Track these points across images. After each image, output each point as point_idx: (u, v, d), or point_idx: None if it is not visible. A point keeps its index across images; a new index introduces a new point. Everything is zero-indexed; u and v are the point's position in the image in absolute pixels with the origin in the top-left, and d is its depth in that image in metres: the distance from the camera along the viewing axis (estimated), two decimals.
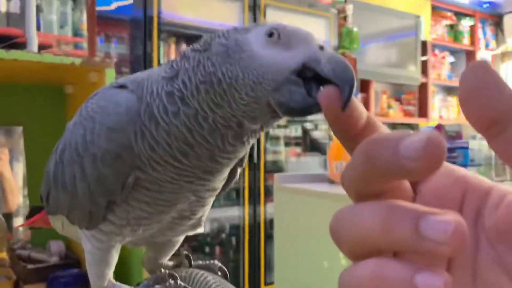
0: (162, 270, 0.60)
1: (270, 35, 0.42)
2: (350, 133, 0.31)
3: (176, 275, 0.59)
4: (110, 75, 1.10)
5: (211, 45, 0.45)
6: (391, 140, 0.23)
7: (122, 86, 0.53)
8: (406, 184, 0.28)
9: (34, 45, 1.17)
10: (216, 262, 0.67)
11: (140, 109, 0.49)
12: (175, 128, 0.47)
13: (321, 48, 0.40)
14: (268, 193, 3.37)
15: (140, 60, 3.04)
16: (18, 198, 1.46)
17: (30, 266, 1.24)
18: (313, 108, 0.40)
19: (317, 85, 0.40)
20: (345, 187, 0.27)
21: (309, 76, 0.40)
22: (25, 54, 0.99)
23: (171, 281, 0.57)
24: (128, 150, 0.49)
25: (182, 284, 0.58)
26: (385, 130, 0.33)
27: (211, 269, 0.66)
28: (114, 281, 0.60)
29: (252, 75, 0.41)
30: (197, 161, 0.48)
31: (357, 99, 0.32)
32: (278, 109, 0.42)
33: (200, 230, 0.62)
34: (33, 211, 0.78)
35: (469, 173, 0.28)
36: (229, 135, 0.46)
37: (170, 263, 0.69)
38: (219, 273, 0.66)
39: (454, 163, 1.25)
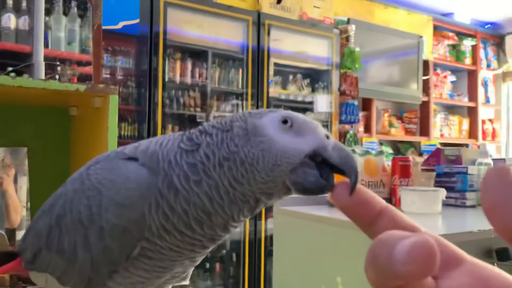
0: None
1: (284, 122, 0.47)
2: (364, 220, 0.33)
3: None
4: (114, 101, 1.13)
5: (232, 127, 0.48)
6: (390, 242, 0.24)
7: (131, 158, 0.53)
8: (429, 281, 0.28)
9: (41, 71, 1.20)
10: None
11: (153, 182, 0.50)
12: (195, 197, 0.48)
13: (327, 137, 0.46)
14: (269, 208, 3.37)
15: (146, 74, 3.08)
16: (20, 215, 1.48)
17: (29, 287, 1.25)
18: (325, 188, 0.44)
19: (326, 168, 0.45)
20: (369, 281, 0.27)
21: (318, 161, 0.46)
22: (30, 81, 1.02)
23: None
24: (137, 224, 0.50)
25: None
26: (401, 217, 0.34)
27: None
28: None
29: (271, 158, 0.46)
30: (210, 230, 0.50)
31: (368, 190, 0.35)
32: (293, 188, 0.46)
33: (186, 282, 0.63)
34: (3, 258, 0.70)
35: (495, 271, 0.27)
36: (245, 208, 0.49)
37: None
38: None
39: (453, 188, 1.26)
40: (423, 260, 0.22)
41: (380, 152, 1.77)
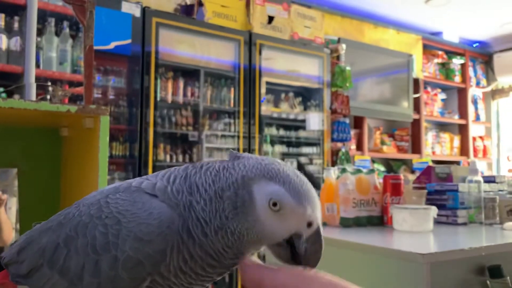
0: None
1: (274, 204, 0.51)
2: None
3: None
4: (105, 122, 1.13)
5: (222, 197, 0.52)
6: None
7: (150, 193, 0.55)
8: None
9: (32, 92, 1.20)
10: None
11: (173, 221, 0.52)
12: (206, 246, 0.52)
13: (309, 224, 0.51)
14: None
15: (138, 94, 3.08)
16: (11, 235, 1.46)
17: None
18: (294, 264, 0.52)
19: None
20: None
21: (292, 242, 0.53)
22: (21, 102, 1.01)
23: None
24: (152, 260, 0.51)
25: None
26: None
27: None
28: None
29: (254, 236, 0.52)
30: (221, 269, 0.55)
31: None
32: (273, 256, 0.54)
33: None
34: None
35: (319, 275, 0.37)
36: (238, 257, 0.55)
37: None
38: None
39: (444, 205, 1.27)
40: None
41: (372, 171, 1.78)
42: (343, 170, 1.72)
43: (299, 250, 0.51)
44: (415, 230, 1.53)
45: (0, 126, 1.30)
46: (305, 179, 0.53)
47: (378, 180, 1.78)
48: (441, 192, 1.84)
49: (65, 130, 1.36)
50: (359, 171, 1.73)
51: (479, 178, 1.86)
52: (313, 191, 0.53)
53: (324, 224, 1.71)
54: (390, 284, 1.20)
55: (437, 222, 1.70)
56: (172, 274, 0.52)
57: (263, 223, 0.51)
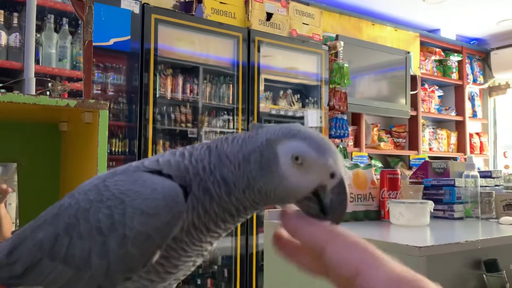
0: None
1: (296, 158, 0.53)
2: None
3: None
4: (104, 116, 1.14)
5: (249, 160, 0.54)
6: None
7: (153, 171, 0.56)
8: None
9: (31, 87, 1.21)
10: None
11: (179, 194, 0.54)
12: (226, 204, 0.55)
13: (332, 175, 0.52)
14: (261, 223, 3.37)
15: (137, 91, 3.09)
16: (11, 230, 1.47)
17: None
18: (323, 218, 0.54)
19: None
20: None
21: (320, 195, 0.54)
22: (21, 97, 1.02)
23: None
24: (161, 233, 0.53)
25: None
26: None
27: None
28: None
29: (281, 192, 0.54)
30: (231, 224, 0.58)
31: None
32: (303, 211, 0.55)
33: (175, 284, 0.66)
34: None
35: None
36: (262, 210, 0.57)
37: None
38: None
39: (440, 200, 1.28)
40: None
41: (369, 165, 1.79)
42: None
43: (325, 202, 0.53)
44: (412, 224, 1.55)
45: None
46: (324, 137, 0.56)
47: (375, 175, 1.79)
48: (438, 187, 1.85)
49: (64, 125, 1.37)
50: (356, 165, 1.75)
51: (475, 173, 1.88)
52: (333, 146, 0.55)
53: None
54: None
55: (433, 216, 1.71)
56: (185, 233, 0.54)
57: (288, 178, 0.53)
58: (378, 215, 1.73)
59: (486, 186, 1.97)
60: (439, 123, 5.69)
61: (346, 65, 4.06)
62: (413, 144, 5.07)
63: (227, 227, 0.57)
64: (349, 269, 0.43)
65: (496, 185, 2.03)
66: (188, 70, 3.52)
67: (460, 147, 5.60)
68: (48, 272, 0.58)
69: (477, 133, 5.87)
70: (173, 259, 0.56)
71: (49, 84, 1.34)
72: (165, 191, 0.53)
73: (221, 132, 3.58)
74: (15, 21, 2.59)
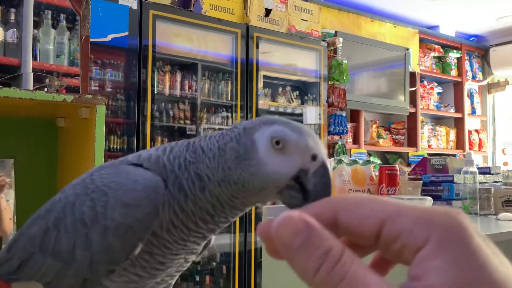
0: None
1: (276, 142, 0.50)
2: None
3: None
4: (101, 112, 1.13)
5: (225, 150, 0.52)
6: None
7: (136, 164, 0.56)
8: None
9: (29, 82, 1.20)
10: None
11: (158, 185, 0.53)
12: (201, 202, 0.53)
13: (314, 157, 0.49)
14: (259, 220, 3.37)
15: (135, 87, 3.07)
16: (11, 224, 1.46)
17: None
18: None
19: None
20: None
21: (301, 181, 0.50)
22: (17, 92, 1.02)
23: None
24: (142, 224, 0.53)
25: None
26: None
27: None
28: None
29: (259, 181, 0.50)
30: (213, 225, 0.55)
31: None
32: (286, 206, 0.51)
33: (172, 281, 0.65)
34: None
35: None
36: (245, 209, 0.55)
37: None
38: None
39: (439, 196, 1.28)
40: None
41: (367, 162, 1.79)
42: (339, 161, 1.73)
43: (308, 187, 0.49)
44: None
45: None
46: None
47: (374, 172, 1.79)
48: (437, 183, 1.85)
49: (61, 121, 1.36)
50: (355, 162, 1.74)
51: (474, 169, 1.88)
52: (312, 131, 0.52)
53: None
54: None
55: None
56: (165, 230, 0.53)
57: (267, 164, 0.49)
58: None
59: (485, 183, 1.97)
60: (438, 120, 5.69)
61: (345, 61, 4.05)
62: (412, 141, 5.07)
63: (210, 228, 0.55)
64: (373, 221, 0.33)
65: (494, 182, 2.03)
66: (186, 66, 3.51)
67: (459, 144, 5.60)
68: (40, 265, 0.59)
69: (476, 130, 5.87)
70: (157, 255, 0.56)
71: (46, 80, 1.33)
72: (146, 183, 0.53)
73: (219, 129, 3.57)
74: (12, 17, 2.58)
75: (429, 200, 1.59)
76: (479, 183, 1.88)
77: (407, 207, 0.30)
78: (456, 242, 0.27)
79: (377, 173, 1.78)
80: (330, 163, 1.76)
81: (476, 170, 1.89)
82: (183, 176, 0.53)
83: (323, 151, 0.50)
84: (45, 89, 1.79)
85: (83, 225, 0.54)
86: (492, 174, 2.05)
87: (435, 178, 1.87)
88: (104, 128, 1.13)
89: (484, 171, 2.03)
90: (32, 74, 1.23)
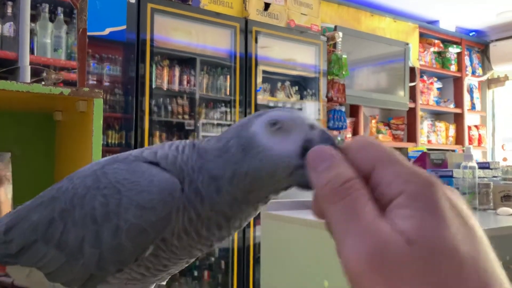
0: None
1: (273, 124, 0.50)
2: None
3: None
4: (98, 105, 1.12)
5: (228, 148, 0.51)
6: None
7: (152, 163, 0.54)
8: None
9: (26, 75, 1.19)
10: None
11: (175, 187, 0.51)
12: (219, 205, 0.52)
13: (312, 127, 0.49)
14: (258, 215, 3.37)
15: (133, 82, 3.06)
16: None
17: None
18: None
19: None
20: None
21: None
22: (14, 84, 1.01)
23: None
24: (156, 227, 0.51)
25: None
26: None
27: None
28: None
29: (270, 166, 0.49)
30: (226, 232, 0.54)
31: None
32: (299, 188, 0.49)
33: (163, 282, 0.65)
34: None
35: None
36: (259, 205, 0.54)
37: None
38: None
39: None
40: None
41: None
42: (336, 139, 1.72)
43: None
44: None
45: None
46: None
47: None
48: None
49: (58, 115, 1.35)
50: None
51: (473, 164, 1.87)
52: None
53: None
54: None
55: None
56: (175, 236, 0.52)
57: (272, 148, 0.49)
58: None
59: (484, 178, 1.97)
60: (437, 116, 5.68)
61: (344, 56, 4.03)
62: (412, 136, 5.07)
63: (221, 236, 0.54)
64: (366, 166, 0.36)
65: (494, 177, 2.03)
66: (185, 61, 3.49)
67: (459, 140, 5.59)
68: (42, 255, 0.57)
69: (476, 126, 5.86)
70: (163, 259, 0.55)
71: (44, 73, 1.32)
72: (161, 185, 0.51)
73: (218, 124, 3.56)
74: (9, 10, 2.56)
75: None
76: (478, 178, 1.87)
77: (396, 160, 0.34)
78: (424, 198, 0.32)
79: None
80: None
81: (476, 165, 1.89)
82: (198, 179, 0.52)
83: (317, 122, 0.51)
84: (42, 82, 1.78)
85: (94, 221, 0.53)
86: (491, 169, 2.04)
87: (434, 173, 1.87)
88: (101, 121, 1.12)
89: (484, 166, 2.02)
90: (29, 67, 1.22)
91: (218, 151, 0.52)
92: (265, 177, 0.50)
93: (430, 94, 5.42)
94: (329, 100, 4.01)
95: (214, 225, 0.53)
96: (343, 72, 3.99)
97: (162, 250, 0.54)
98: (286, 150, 0.48)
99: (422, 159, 2.02)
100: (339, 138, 4.04)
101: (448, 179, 1.81)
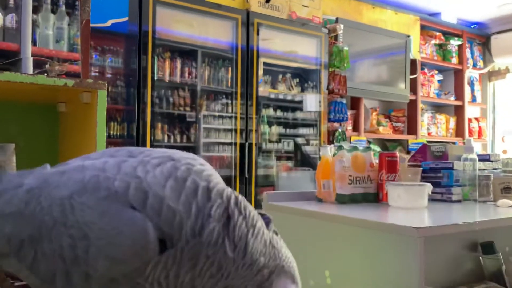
0: None
1: None
2: None
3: None
4: (102, 96, 1.13)
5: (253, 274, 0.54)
6: None
7: (128, 203, 0.50)
8: None
9: (29, 67, 1.19)
10: None
11: (149, 240, 0.48)
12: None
13: None
14: (259, 207, 3.38)
15: (135, 74, 3.07)
16: None
17: (17, 283, 1.24)
18: None
19: None
20: None
21: None
22: (18, 76, 1.01)
23: None
24: (127, 277, 0.49)
25: None
26: None
27: None
28: None
29: None
30: None
31: None
32: None
33: None
34: None
35: None
36: None
37: None
38: None
39: (439, 183, 1.28)
40: None
41: (368, 148, 1.79)
42: (340, 148, 1.73)
43: None
44: (410, 206, 1.56)
45: None
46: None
47: (374, 158, 1.79)
48: (436, 170, 1.86)
49: (62, 106, 1.36)
50: (355, 148, 1.74)
51: (474, 156, 1.88)
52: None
53: (320, 200, 1.73)
54: (384, 258, 1.22)
55: (431, 199, 1.72)
56: (149, 283, 0.50)
57: None
58: (376, 198, 1.73)
59: (484, 170, 1.98)
60: (438, 108, 5.68)
61: (346, 48, 4.03)
62: (412, 129, 5.07)
63: None
64: None
65: (494, 169, 2.04)
66: (186, 53, 3.49)
67: (459, 132, 5.60)
68: (16, 269, 0.56)
69: (476, 118, 5.86)
70: None
71: (47, 65, 1.32)
72: (134, 236, 0.48)
73: (219, 116, 3.57)
74: (12, 1, 2.55)
75: (428, 187, 1.59)
76: (479, 170, 1.88)
77: None
78: None
79: (377, 160, 1.78)
80: (331, 149, 1.76)
81: (476, 157, 1.90)
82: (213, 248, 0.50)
83: None
84: (45, 74, 1.79)
85: (62, 260, 0.50)
86: (492, 161, 2.05)
87: (434, 165, 1.88)
88: (105, 113, 1.13)
89: (484, 158, 2.03)
90: (31, 58, 1.23)
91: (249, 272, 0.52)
92: None
93: (430, 87, 5.42)
94: (330, 92, 4.01)
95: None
96: (344, 64, 3.99)
97: (144, 285, 0.52)
98: None
99: (422, 151, 2.03)
100: (339, 130, 4.05)
101: (448, 171, 1.82)
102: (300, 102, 4.05)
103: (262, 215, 0.57)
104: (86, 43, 1.17)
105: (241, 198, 0.54)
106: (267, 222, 0.56)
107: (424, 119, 5.31)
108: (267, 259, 0.53)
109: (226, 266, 0.50)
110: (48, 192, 0.54)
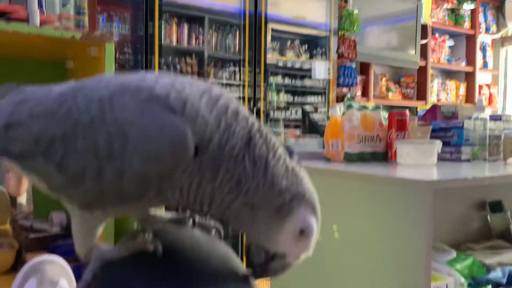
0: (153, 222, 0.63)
1: (301, 232, 0.57)
2: None
3: (149, 229, 0.59)
4: (110, 49, 1.12)
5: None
6: None
7: (167, 106, 0.51)
8: None
9: (36, 20, 1.19)
10: (212, 222, 0.68)
11: (188, 142, 0.49)
12: (225, 201, 0.54)
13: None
14: None
15: (142, 40, 3.05)
16: (25, 188, 1.50)
17: (32, 235, 1.28)
18: None
19: None
20: None
21: None
22: (25, 26, 1.01)
23: (144, 236, 0.56)
24: (161, 177, 0.50)
25: (151, 239, 0.56)
26: None
27: (205, 228, 0.67)
28: (96, 243, 0.59)
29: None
30: (202, 215, 0.60)
31: None
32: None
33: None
34: None
35: None
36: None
37: (168, 216, 0.66)
38: (213, 233, 0.68)
39: (449, 142, 1.27)
40: None
41: (377, 107, 1.78)
42: (349, 106, 1.72)
43: None
44: (419, 163, 1.55)
45: (4, 57, 1.30)
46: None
47: (384, 117, 1.78)
48: (446, 129, 1.84)
49: (70, 63, 1.36)
50: (364, 107, 1.73)
51: (485, 115, 1.86)
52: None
53: (329, 160, 1.73)
54: (393, 213, 1.22)
55: (440, 159, 1.71)
56: (172, 191, 0.52)
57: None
58: (385, 157, 1.73)
59: (495, 130, 1.96)
60: (448, 74, 5.60)
61: (356, 11, 3.95)
62: (421, 95, 5.01)
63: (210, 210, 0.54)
64: None
65: (505, 129, 2.02)
66: (193, 19, 3.45)
67: (469, 98, 5.53)
68: (41, 169, 0.55)
69: (487, 85, 5.77)
70: (169, 199, 0.55)
71: (56, 17, 1.31)
72: (174, 137, 0.48)
73: (227, 84, 3.55)
74: None
75: (438, 144, 1.58)
76: (489, 130, 1.86)
77: None
78: None
79: (387, 120, 1.77)
80: (340, 108, 1.75)
81: (487, 116, 1.87)
82: (235, 159, 0.51)
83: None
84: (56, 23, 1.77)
85: (96, 157, 0.50)
86: (503, 121, 2.03)
87: (445, 125, 1.86)
88: (113, 66, 1.12)
89: (495, 117, 2.00)
90: (38, 11, 1.22)
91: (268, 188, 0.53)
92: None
93: (441, 52, 5.32)
94: (340, 56, 3.96)
95: (199, 203, 0.53)
96: (354, 28, 3.91)
97: (168, 191, 0.53)
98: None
99: (432, 111, 2.01)
100: (348, 95, 4.01)
101: (458, 130, 1.81)
102: (309, 69, 4.01)
103: (286, 147, 0.57)
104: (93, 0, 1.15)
105: (264, 126, 0.55)
106: (291, 152, 0.57)
107: (434, 85, 5.24)
108: (289, 182, 0.53)
109: (245, 181, 0.51)
110: (85, 93, 0.54)
